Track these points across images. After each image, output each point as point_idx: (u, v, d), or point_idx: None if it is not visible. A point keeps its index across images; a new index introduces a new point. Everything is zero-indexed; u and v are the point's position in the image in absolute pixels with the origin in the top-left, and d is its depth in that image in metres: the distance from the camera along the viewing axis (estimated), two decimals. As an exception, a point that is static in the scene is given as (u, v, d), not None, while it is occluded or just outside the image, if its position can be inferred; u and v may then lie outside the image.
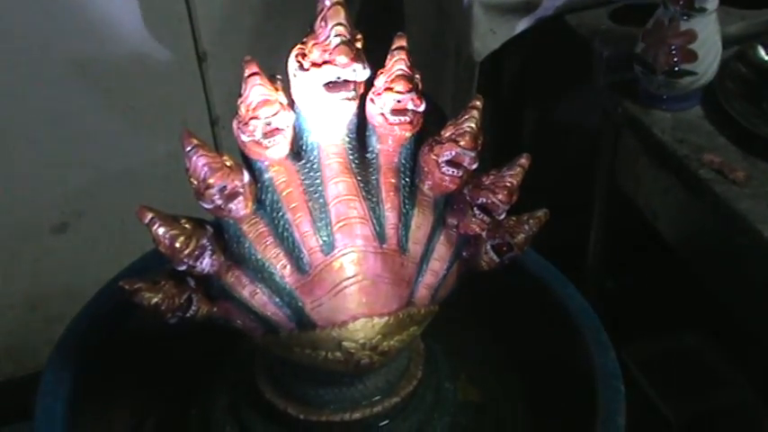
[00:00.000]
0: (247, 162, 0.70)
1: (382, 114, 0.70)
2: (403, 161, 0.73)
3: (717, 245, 1.00)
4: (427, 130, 0.73)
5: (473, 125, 0.71)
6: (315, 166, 0.70)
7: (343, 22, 0.65)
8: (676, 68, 0.96)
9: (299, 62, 0.66)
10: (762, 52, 1.05)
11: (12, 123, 1.31)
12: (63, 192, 1.41)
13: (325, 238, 0.69)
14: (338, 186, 0.70)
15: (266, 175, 0.69)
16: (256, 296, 0.71)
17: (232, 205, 0.68)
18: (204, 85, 1.39)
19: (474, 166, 0.72)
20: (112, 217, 1.44)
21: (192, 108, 1.41)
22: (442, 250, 0.74)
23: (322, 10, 0.65)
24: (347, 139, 0.71)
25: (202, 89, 1.40)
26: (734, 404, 1.22)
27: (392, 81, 0.69)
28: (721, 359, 1.28)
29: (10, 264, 1.45)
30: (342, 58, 0.65)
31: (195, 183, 0.66)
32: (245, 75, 0.66)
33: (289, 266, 0.70)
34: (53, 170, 1.37)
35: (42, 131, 1.34)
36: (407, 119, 0.71)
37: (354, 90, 0.68)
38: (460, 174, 0.72)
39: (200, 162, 0.66)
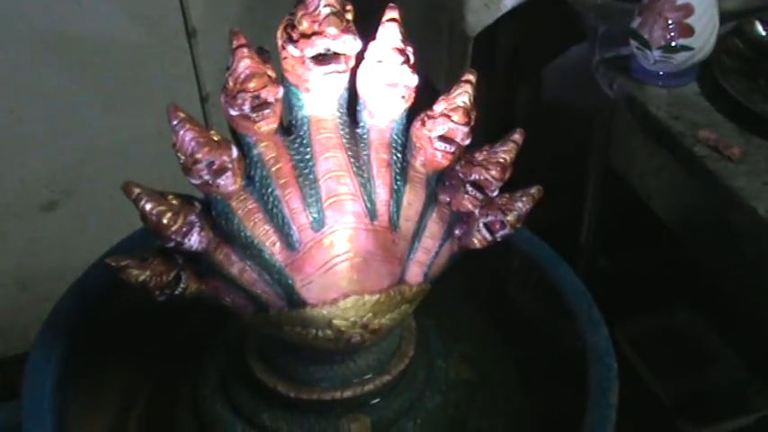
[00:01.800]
0: (236, 137, 0.69)
1: (374, 88, 0.69)
2: (395, 137, 0.71)
3: (711, 222, 0.99)
4: (420, 108, 0.72)
5: (466, 100, 0.70)
6: (305, 142, 0.69)
7: (333, -8, 0.64)
8: (673, 43, 0.95)
9: (287, 33, 0.65)
10: (759, 28, 1.04)
11: (-3, 101, 1.30)
12: (51, 170, 1.40)
13: (315, 215, 0.68)
14: (329, 162, 0.69)
15: (255, 151, 0.68)
16: (245, 274, 0.70)
17: (220, 181, 0.67)
18: (194, 61, 1.38)
19: (467, 142, 0.71)
20: (102, 195, 1.43)
21: (182, 85, 1.39)
22: (434, 228, 0.73)
23: (312, -20, 0.64)
24: (338, 114, 0.70)
25: (192, 66, 1.38)
26: (726, 382, 1.22)
27: (384, 54, 0.68)
28: (714, 337, 1.28)
29: (-1, 243, 1.44)
30: (332, 29, 0.64)
31: (182, 158, 0.65)
32: (233, 47, 0.64)
33: (278, 243, 0.69)
34: (40, 148, 1.36)
35: (29, 109, 1.32)
36: (400, 93, 0.69)
37: (345, 63, 0.67)
38: (453, 149, 0.71)
39: (187, 136, 0.64)
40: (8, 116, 1.32)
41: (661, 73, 1.00)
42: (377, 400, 0.79)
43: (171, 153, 0.66)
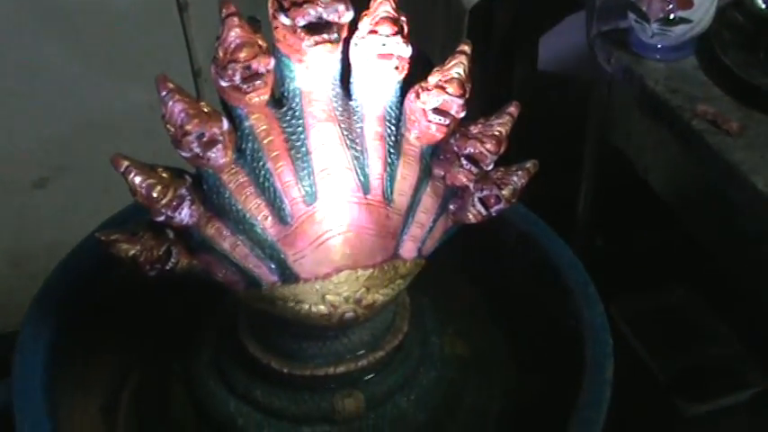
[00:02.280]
0: (227, 110, 0.68)
1: (366, 59, 0.68)
2: (388, 109, 0.70)
3: (709, 197, 0.98)
4: (415, 81, 0.71)
5: (461, 71, 0.69)
6: (297, 114, 0.68)
7: (325, -40, 0.62)
8: (671, 16, 0.94)
9: (278, 2, 0.63)
10: (759, 1, 1.03)
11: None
12: (42, 146, 1.38)
13: (307, 189, 0.67)
14: (321, 135, 0.68)
15: (246, 123, 0.67)
16: (237, 248, 0.69)
17: (211, 153, 0.66)
18: (186, 35, 1.36)
19: (461, 114, 0.70)
20: (94, 171, 1.41)
21: (174, 59, 1.38)
22: (428, 202, 0.72)
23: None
24: (330, 86, 0.69)
25: (184, 40, 1.37)
26: (721, 359, 1.22)
27: (377, 24, 0.67)
28: (709, 314, 1.27)
29: (-11, 220, 1.43)
30: (323, -3, 0.63)
31: (172, 130, 0.64)
32: (223, 16, 0.63)
33: (270, 218, 0.68)
34: (31, 124, 1.35)
35: (19, 84, 1.31)
36: (393, 64, 0.68)
37: (337, 33, 0.65)
38: (447, 122, 0.70)
39: (176, 108, 0.63)
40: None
41: (659, 46, 0.99)
42: (371, 376, 0.78)
43: (163, 128, 0.65)
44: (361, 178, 0.69)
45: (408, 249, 0.72)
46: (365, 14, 0.67)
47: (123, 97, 1.38)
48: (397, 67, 0.69)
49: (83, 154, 1.41)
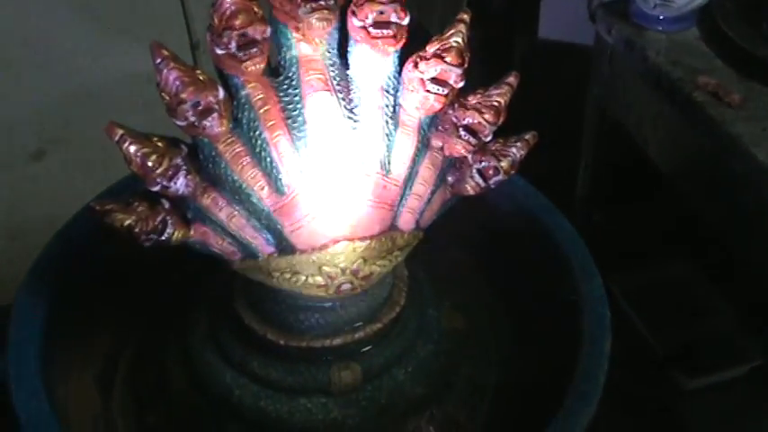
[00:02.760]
0: (223, 79, 0.67)
1: (364, 27, 0.67)
2: (386, 79, 0.69)
3: (710, 170, 0.98)
4: (413, 53, 0.70)
5: (459, 40, 0.68)
6: (294, 83, 0.67)
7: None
8: (673, -14, 0.93)
9: (274, -32, 0.62)
10: (761, -28, 1.02)
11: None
12: (39, 119, 1.37)
13: (304, 159, 0.66)
14: (318, 104, 0.67)
15: (242, 92, 0.66)
16: (233, 219, 0.68)
17: (206, 122, 0.65)
18: (184, 7, 1.35)
19: (460, 84, 0.69)
20: (91, 143, 1.40)
21: (172, 32, 1.36)
22: (426, 173, 0.72)
23: None
24: (327, 55, 0.68)
25: (182, 12, 1.35)
26: (720, 333, 1.22)
27: (374, -9, 0.66)
28: (708, 288, 1.27)
29: (-14, 193, 1.42)
30: (318, -38, 0.62)
31: (167, 98, 0.63)
32: (218, -18, 0.62)
33: (266, 188, 0.67)
34: (26, 95, 1.34)
35: (14, 55, 1.29)
36: (391, 32, 0.67)
37: (334, 0, 0.64)
38: (446, 92, 0.69)
39: (171, 76, 0.62)
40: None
41: (661, 17, 0.98)
42: (368, 348, 0.78)
43: (159, 100, 0.64)
44: (359, 149, 0.68)
45: (406, 221, 0.72)
46: (362, -19, 0.66)
47: (120, 69, 1.37)
48: (394, 35, 0.67)
49: (80, 126, 1.40)
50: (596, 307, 0.79)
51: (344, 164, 0.68)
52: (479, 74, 0.77)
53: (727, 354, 1.18)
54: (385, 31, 0.67)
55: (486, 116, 0.70)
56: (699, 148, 0.97)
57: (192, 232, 0.69)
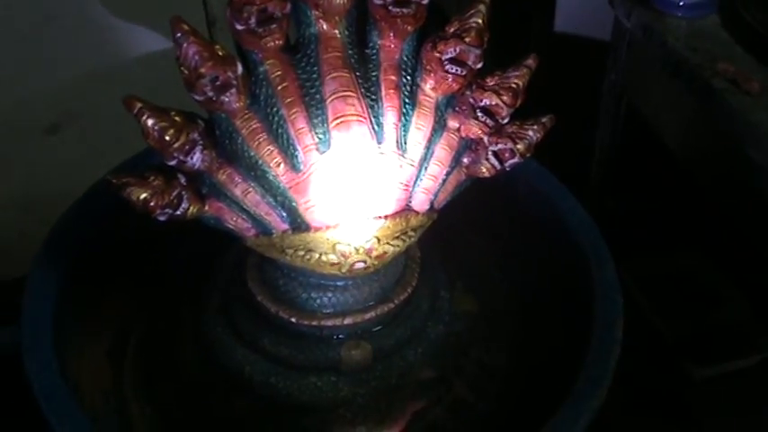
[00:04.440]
0: (242, 54, 0.66)
1: (384, 6, 0.66)
2: (404, 58, 0.69)
3: (726, 158, 0.97)
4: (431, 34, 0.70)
5: (479, 20, 0.67)
6: (312, 61, 0.67)
7: None
8: (694, -28, 0.92)
9: (295, -57, 0.62)
10: (784, -41, 1.00)
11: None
12: (53, 92, 1.37)
13: (320, 136, 0.66)
14: (336, 82, 0.67)
15: (261, 68, 0.66)
16: (249, 195, 0.68)
17: (224, 98, 0.65)
18: (200, -17, 1.35)
19: (479, 65, 0.69)
20: (107, 118, 1.40)
21: (187, 8, 1.36)
22: (441, 154, 0.71)
23: None
24: (346, 33, 0.67)
25: (199, -12, 1.35)
26: (731, 323, 1.21)
27: (394, -31, 0.65)
28: (721, 278, 1.27)
29: (1, 166, 1.42)
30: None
31: (186, 72, 0.63)
32: (239, -43, 0.62)
33: (282, 164, 0.67)
34: (42, 69, 1.34)
35: (31, 30, 1.29)
36: (410, 11, 0.67)
37: (354, -23, 0.64)
38: (464, 73, 0.68)
39: (191, 50, 0.62)
40: (5, 36, 1.29)
41: (681, 3, 0.97)
42: (379, 328, 0.78)
43: (177, 76, 0.64)
44: (375, 127, 0.68)
45: (421, 201, 0.71)
46: (382, -40, 0.66)
47: (137, 45, 1.37)
48: (413, 14, 0.67)
49: (95, 101, 1.40)
50: (609, 293, 0.79)
51: (360, 142, 0.67)
52: (495, 60, 0.76)
53: (738, 344, 1.18)
54: (405, 10, 0.67)
55: (504, 98, 0.70)
56: (716, 136, 0.96)
57: (206, 207, 0.70)
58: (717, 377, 1.15)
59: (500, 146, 0.73)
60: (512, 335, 0.87)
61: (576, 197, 0.87)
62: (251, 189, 0.68)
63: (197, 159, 0.67)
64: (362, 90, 0.67)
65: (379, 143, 0.68)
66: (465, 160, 0.73)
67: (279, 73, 0.66)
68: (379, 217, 0.69)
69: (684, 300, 1.23)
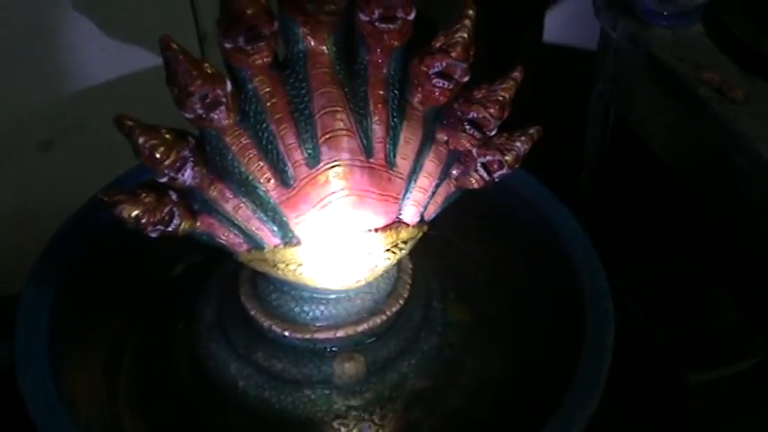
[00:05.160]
0: (231, 71, 0.67)
1: (370, 22, 0.67)
2: (392, 72, 0.70)
3: (713, 166, 0.98)
4: (419, 46, 0.70)
5: (465, 35, 0.68)
6: (300, 77, 0.68)
7: None
8: (678, -17, 0.93)
9: (282, -38, 0.63)
10: (767, -32, 1.02)
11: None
12: (47, 108, 1.37)
13: (310, 151, 0.67)
14: (324, 97, 0.67)
15: (250, 85, 0.67)
16: (240, 210, 0.69)
17: (214, 115, 0.65)
18: (192, -1, 1.35)
19: (465, 79, 0.70)
20: (99, 134, 1.40)
21: (179, 23, 1.36)
22: (431, 166, 0.72)
23: None
24: (334, 49, 0.68)
25: (189, 4, 1.36)
26: (724, 329, 1.22)
27: (381, -14, 0.66)
28: (712, 284, 1.27)
29: (-6, 182, 1.42)
30: (327, -42, 0.62)
31: (175, 90, 0.64)
32: (227, -23, 0.63)
33: (273, 180, 0.68)
34: (35, 85, 1.34)
35: (23, 46, 1.30)
36: (396, 26, 0.67)
37: (341, -6, 0.65)
38: (451, 86, 0.69)
39: (180, 68, 0.63)
40: (2, 51, 1.29)
41: (666, 13, 0.98)
42: (372, 340, 0.79)
43: (167, 92, 0.65)
44: (364, 141, 0.68)
45: (411, 214, 0.72)
46: (369, -23, 0.67)
47: (128, 60, 1.37)
48: (400, 30, 0.68)
49: (88, 116, 1.40)
50: (600, 300, 0.79)
51: (350, 156, 0.68)
52: (483, 72, 0.77)
53: (731, 349, 1.19)
54: (391, 26, 0.67)
55: (491, 110, 0.70)
56: (703, 144, 0.97)
57: (198, 223, 0.70)
58: (712, 382, 1.15)
59: (488, 157, 0.73)
60: (505, 344, 0.87)
61: (566, 206, 0.88)
62: (242, 204, 0.69)
63: (188, 176, 0.67)
64: (351, 105, 0.68)
65: (369, 157, 0.69)
66: (454, 172, 0.74)
67: (268, 89, 0.67)
68: (370, 230, 0.70)
69: (677, 306, 1.24)
